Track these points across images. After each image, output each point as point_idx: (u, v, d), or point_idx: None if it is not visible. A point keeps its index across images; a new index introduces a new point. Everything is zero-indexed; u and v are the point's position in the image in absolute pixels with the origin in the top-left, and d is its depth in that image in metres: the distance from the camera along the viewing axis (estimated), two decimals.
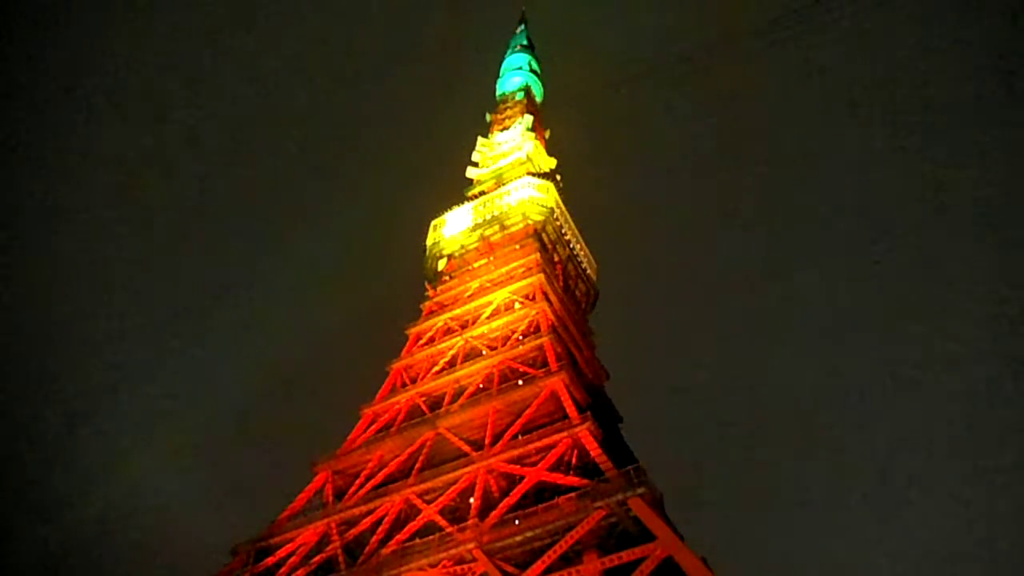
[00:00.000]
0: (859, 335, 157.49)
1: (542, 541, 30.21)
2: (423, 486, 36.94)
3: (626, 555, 26.94)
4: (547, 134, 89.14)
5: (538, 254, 55.61)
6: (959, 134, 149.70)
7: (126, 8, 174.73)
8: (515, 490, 33.33)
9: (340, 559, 35.14)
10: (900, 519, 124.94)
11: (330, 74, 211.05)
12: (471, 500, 34.75)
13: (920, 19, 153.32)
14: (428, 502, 36.01)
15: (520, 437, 37.16)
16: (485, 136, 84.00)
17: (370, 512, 37.31)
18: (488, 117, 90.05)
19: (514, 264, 56.48)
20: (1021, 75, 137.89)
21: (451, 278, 62.05)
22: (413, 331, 54.84)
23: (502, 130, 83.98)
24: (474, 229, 66.20)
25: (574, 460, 34.80)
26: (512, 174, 72.47)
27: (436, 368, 48.82)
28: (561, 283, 58.98)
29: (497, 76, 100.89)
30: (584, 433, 34.18)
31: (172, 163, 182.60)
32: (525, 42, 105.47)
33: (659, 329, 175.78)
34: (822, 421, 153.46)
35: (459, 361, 47.85)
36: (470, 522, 32.37)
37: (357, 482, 40.50)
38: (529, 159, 74.70)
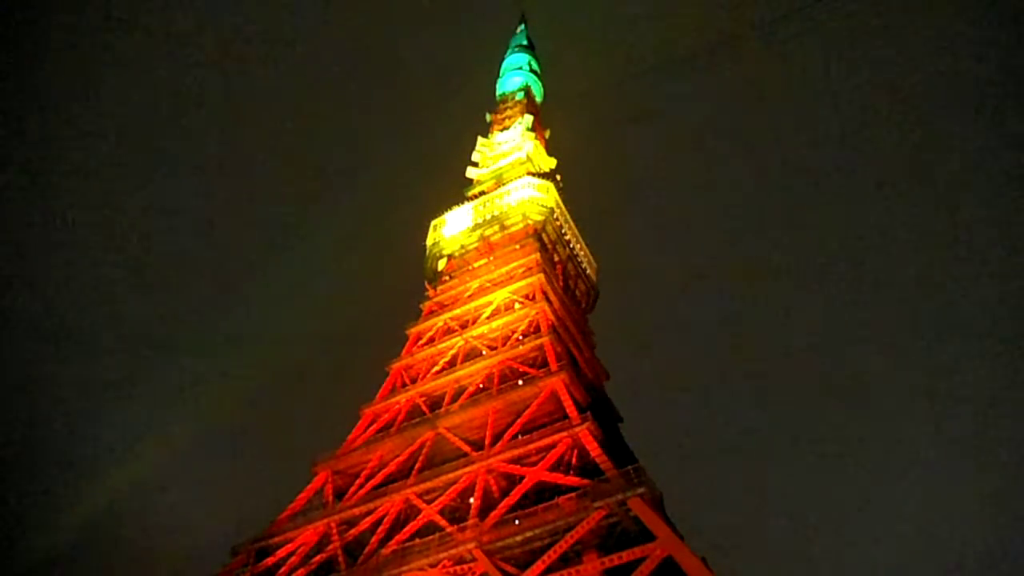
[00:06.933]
0: (860, 334, 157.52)
1: (542, 541, 30.18)
2: (423, 486, 36.92)
3: (626, 555, 26.86)
4: (547, 134, 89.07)
5: (538, 254, 55.54)
6: (961, 136, 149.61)
7: (128, 10, 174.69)
8: (515, 490, 33.28)
9: (340, 559, 35.11)
10: (900, 519, 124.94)
11: (331, 74, 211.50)
12: (471, 500, 34.74)
13: (921, 18, 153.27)
14: (428, 502, 35.98)
15: (520, 437, 37.14)
16: (485, 136, 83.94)
17: (370, 512, 37.30)
18: (488, 117, 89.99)
19: (514, 264, 56.42)
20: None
21: (451, 278, 61.97)
22: (413, 331, 54.81)
23: (502, 130, 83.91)
24: (474, 229, 66.15)
25: (574, 460, 34.76)
26: (512, 174, 72.43)
27: (436, 368, 48.77)
28: (561, 283, 58.93)
29: (497, 76, 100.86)
30: (584, 433, 34.15)
31: (175, 162, 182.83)
32: (525, 42, 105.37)
33: (659, 329, 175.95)
34: (822, 420, 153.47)
35: (459, 361, 47.82)
36: (470, 522, 32.33)
37: (357, 482, 40.48)
38: (529, 159, 74.66)
